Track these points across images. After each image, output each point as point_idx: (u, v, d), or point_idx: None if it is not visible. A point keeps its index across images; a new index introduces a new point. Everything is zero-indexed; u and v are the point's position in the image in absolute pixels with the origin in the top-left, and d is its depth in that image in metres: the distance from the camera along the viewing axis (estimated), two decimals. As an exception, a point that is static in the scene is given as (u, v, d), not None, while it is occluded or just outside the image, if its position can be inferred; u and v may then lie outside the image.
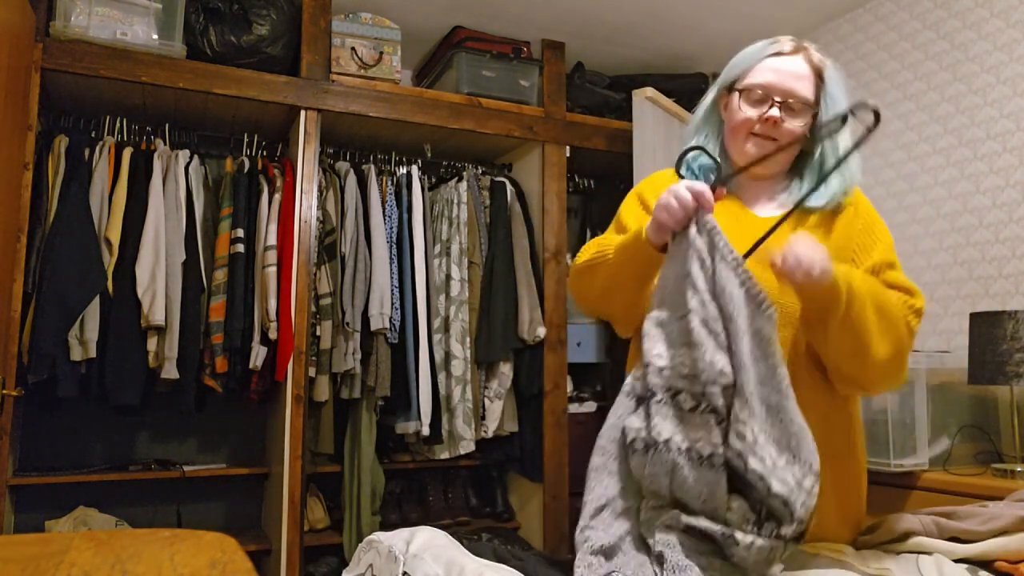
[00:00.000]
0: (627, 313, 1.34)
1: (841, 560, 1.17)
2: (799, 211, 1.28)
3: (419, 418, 2.76)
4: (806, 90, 1.31)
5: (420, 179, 2.94)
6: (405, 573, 0.99)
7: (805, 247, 1.10)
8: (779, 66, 1.31)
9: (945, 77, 2.56)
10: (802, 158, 1.37)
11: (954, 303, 2.47)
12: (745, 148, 1.32)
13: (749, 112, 1.31)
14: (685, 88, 3.31)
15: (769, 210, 1.35)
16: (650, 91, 2.84)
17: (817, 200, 1.31)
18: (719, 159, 1.36)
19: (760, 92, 1.30)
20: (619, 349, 3.08)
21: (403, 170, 2.95)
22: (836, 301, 1.14)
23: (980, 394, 2.27)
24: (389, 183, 2.97)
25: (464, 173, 3.03)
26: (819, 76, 1.33)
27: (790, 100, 1.30)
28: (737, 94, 1.33)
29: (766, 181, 1.38)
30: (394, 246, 2.85)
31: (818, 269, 1.09)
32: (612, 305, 1.35)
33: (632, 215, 1.41)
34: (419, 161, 3.03)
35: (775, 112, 1.29)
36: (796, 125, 1.30)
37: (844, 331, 1.16)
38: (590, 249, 1.36)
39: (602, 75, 3.33)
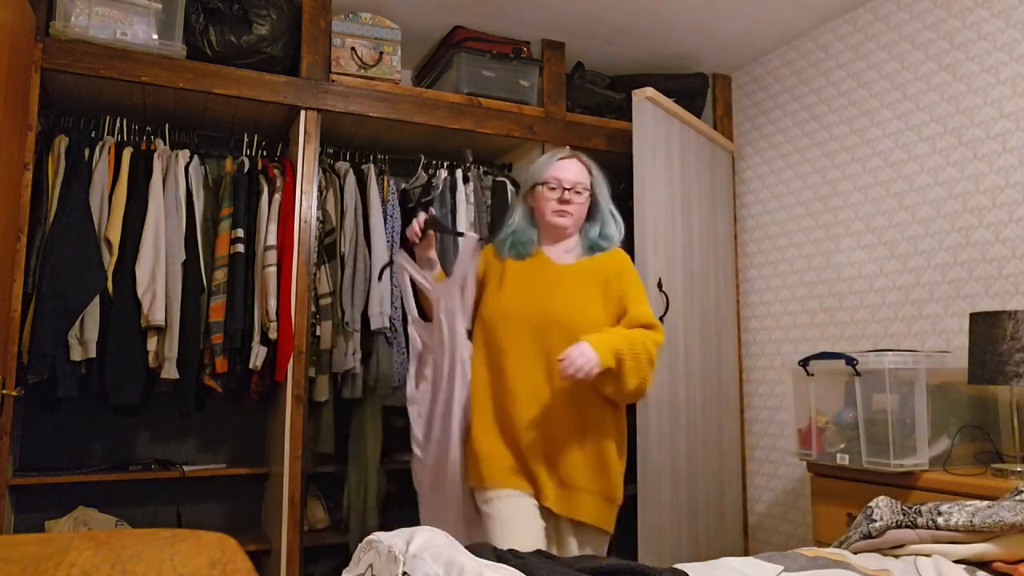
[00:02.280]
0: None
1: (841, 561, 1.17)
2: (586, 253, 2.04)
3: None
4: (583, 178, 2.02)
5: (465, 178, 3.01)
6: (405, 573, 0.99)
7: (580, 356, 1.72)
8: (564, 167, 2.00)
9: (945, 77, 2.56)
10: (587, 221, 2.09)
11: (954, 303, 2.47)
12: (554, 220, 1.99)
13: (550, 196, 1.99)
14: (685, 88, 3.31)
15: (566, 260, 2.03)
16: (650, 91, 2.84)
17: (595, 251, 2.04)
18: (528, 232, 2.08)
19: (555, 183, 1.98)
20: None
21: (444, 173, 3.00)
22: (609, 374, 1.79)
23: (980, 394, 2.27)
24: (391, 183, 2.98)
25: (469, 174, 3.03)
26: (589, 171, 2.04)
27: (575, 187, 1.99)
28: (541, 187, 2.00)
29: (564, 239, 2.04)
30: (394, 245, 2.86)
31: (594, 369, 1.73)
32: None
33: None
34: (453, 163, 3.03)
35: (567, 194, 1.98)
36: (581, 200, 2.00)
37: (609, 383, 1.84)
38: None
39: (602, 75, 3.33)
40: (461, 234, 2.10)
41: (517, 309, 1.95)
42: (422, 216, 2.06)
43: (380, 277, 2.65)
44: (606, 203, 2.07)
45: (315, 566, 2.79)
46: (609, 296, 1.95)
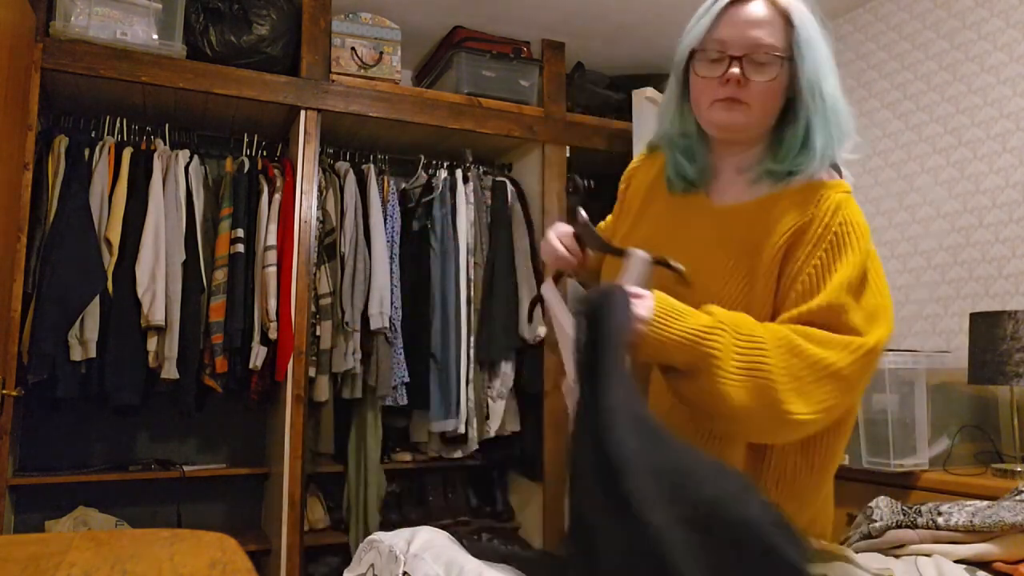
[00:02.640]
0: None
1: (844, 556, 1.17)
2: (775, 181, 1.14)
3: (458, 416, 2.78)
4: (771, 37, 1.10)
5: (465, 179, 2.99)
6: (405, 573, 0.99)
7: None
8: (734, 16, 1.11)
9: (945, 77, 2.56)
10: (785, 119, 1.15)
11: (954, 303, 2.47)
12: (713, 118, 1.14)
13: (707, 74, 1.12)
14: (685, 88, 3.30)
15: (733, 194, 1.18)
16: (650, 91, 2.84)
17: (776, 169, 1.13)
18: (691, 136, 1.20)
19: (716, 50, 1.11)
20: (619, 349, 3.08)
21: (444, 173, 2.99)
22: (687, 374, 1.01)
23: (980, 394, 2.27)
24: (391, 183, 2.98)
25: (469, 174, 3.03)
26: (787, 19, 1.11)
27: (752, 53, 1.10)
28: (699, 55, 1.13)
29: (738, 149, 1.18)
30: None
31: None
32: None
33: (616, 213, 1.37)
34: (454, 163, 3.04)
35: (735, 70, 1.09)
36: (765, 79, 1.10)
37: (685, 385, 1.03)
38: None
39: (602, 75, 3.33)
40: (621, 252, 1.11)
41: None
42: (580, 217, 1.20)
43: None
44: (823, 84, 1.11)
45: (315, 566, 2.79)
46: (775, 271, 1.09)
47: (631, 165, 1.34)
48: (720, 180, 1.20)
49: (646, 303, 0.98)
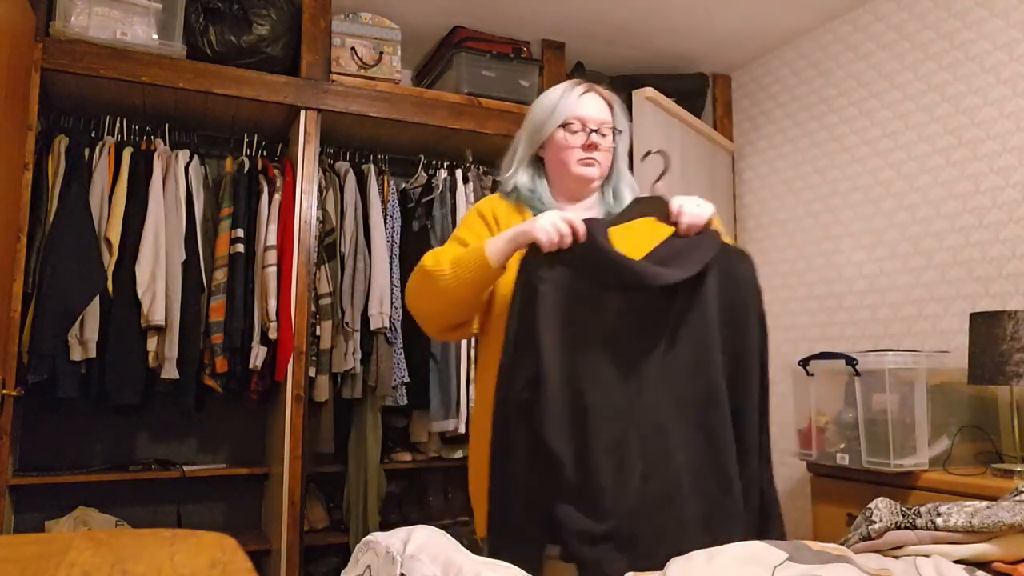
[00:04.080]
0: (452, 320, 1.54)
1: (844, 556, 1.17)
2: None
3: (458, 416, 2.78)
4: (606, 116, 1.57)
5: (465, 179, 3.00)
6: (402, 574, 0.99)
7: (697, 206, 1.40)
8: (588, 102, 1.56)
9: (945, 77, 2.56)
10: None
11: (954, 303, 2.47)
12: (578, 172, 1.55)
13: (573, 142, 1.54)
14: (685, 88, 3.31)
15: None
16: (650, 91, 2.84)
17: (615, 208, 1.59)
18: (538, 190, 1.59)
19: (578, 124, 1.54)
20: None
21: (444, 173, 2.99)
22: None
23: (980, 394, 2.27)
24: (391, 183, 2.98)
25: (469, 174, 3.03)
26: (610, 106, 1.59)
27: (600, 129, 1.55)
28: (560, 130, 1.55)
29: (584, 198, 1.62)
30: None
31: (707, 211, 1.41)
32: (444, 314, 1.53)
33: (472, 232, 1.57)
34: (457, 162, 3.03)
35: (595, 136, 1.54)
36: (607, 146, 1.56)
37: None
38: (430, 258, 1.52)
39: (602, 75, 3.32)
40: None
41: None
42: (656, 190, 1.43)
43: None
44: (624, 151, 1.65)
45: (315, 566, 2.79)
46: None
47: (495, 204, 1.62)
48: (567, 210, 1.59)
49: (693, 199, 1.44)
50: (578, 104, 1.55)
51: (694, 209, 1.40)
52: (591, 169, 1.55)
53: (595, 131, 1.54)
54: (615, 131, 1.59)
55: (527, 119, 1.62)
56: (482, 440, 1.41)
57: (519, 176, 1.59)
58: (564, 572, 1.26)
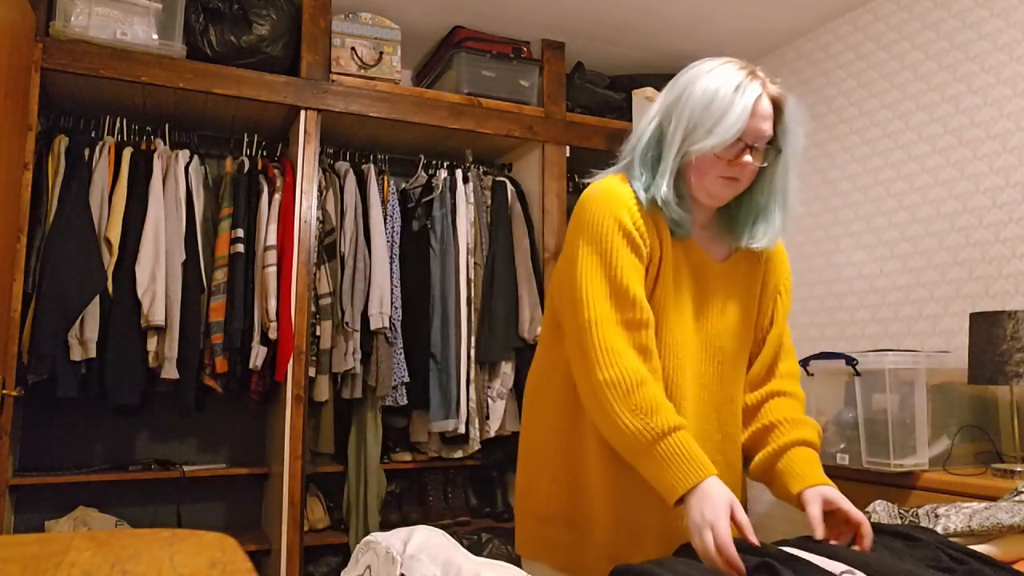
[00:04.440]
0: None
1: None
2: (733, 241, 1.35)
3: (458, 416, 2.78)
4: (770, 128, 1.25)
5: (465, 179, 3.00)
6: (402, 574, 0.99)
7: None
8: (756, 109, 1.22)
9: (945, 77, 2.56)
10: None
11: (954, 303, 2.47)
12: (714, 191, 1.26)
13: (723, 155, 1.23)
14: (685, 88, 3.30)
15: (720, 251, 1.37)
16: (650, 91, 2.84)
17: (760, 240, 1.33)
18: (675, 196, 1.26)
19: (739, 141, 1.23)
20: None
21: (444, 173, 2.99)
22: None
23: (980, 394, 2.27)
24: (391, 183, 2.98)
25: (469, 174, 3.03)
26: (778, 109, 1.27)
27: (758, 143, 1.24)
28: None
29: (708, 217, 1.35)
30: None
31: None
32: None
33: (628, 262, 1.24)
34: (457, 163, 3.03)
35: (748, 158, 1.24)
36: (757, 164, 1.26)
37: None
38: (610, 346, 1.19)
39: (602, 75, 3.33)
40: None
41: (689, 321, 1.31)
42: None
43: None
44: (789, 173, 1.31)
45: (315, 566, 2.79)
46: (757, 308, 1.40)
47: (636, 214, 1.26)
48: (700, 238, 1.35)
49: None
50: (753, 114, 1.21)
51: None
52: (727, 190, 1.26)
53: (751, 147, 1.23)
54: (778, 150, 1.27)
55: (682, 111, 1.23)
56: (534, 456, 1.35)
57: (663, 189, 1.25)
58: None
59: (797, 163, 1.30)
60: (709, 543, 1.04)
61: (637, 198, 1.26)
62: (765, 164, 1.26)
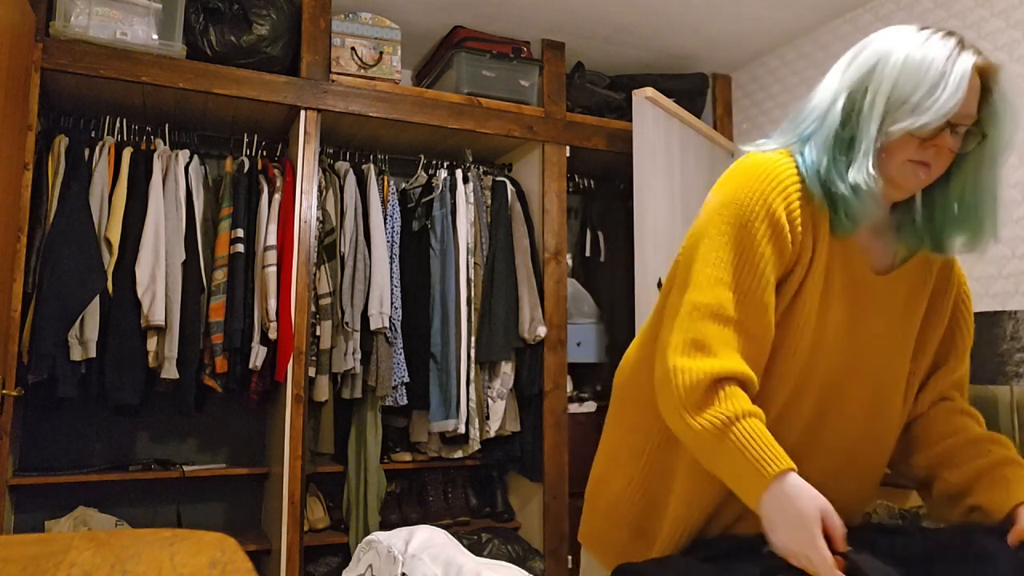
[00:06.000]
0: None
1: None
2: (905, 246, 1.13)
3: (458, 416, 2.78)
4: (974, 106, 1.04)
5: (465, 179, 3.00)
6: (403, 574, 0.99)
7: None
8: (972, 85, 1.01)
9: (945, 77, 2.56)
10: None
11: (954, 303, 2.47)
12: (901, 178, 1.05)
13: (919, 133, 1.01)
14: (685, 88, 3.31)
15: (884, 258, 1.14)
16: (650, 91, 2.84)
17: (953, 248, 1.13)
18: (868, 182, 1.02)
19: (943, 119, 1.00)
20: (619, 349, 3.08)
21: (444, 173, 2.99)
22: None
23: (980, 394, 2.27)
24: (391, 183, 2.98)
25: (469, 174, 3.03)
26: (984, 84, 1.04)
27: (960, 125, 1.03)
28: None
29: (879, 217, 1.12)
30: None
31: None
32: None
33: (770, 266, 1.04)
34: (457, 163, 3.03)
35: (949, 139, 1.03)
36: (955, 148, 1.05)
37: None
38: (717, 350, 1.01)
39: (602, 75, 3.33)
40: None
41: (837, 336, 1.10)
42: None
43: None
44: (996, 167, 1.08)
45: (315, 566, 2.79)
46: (923, 334, 1.18)
47: (794, 205, 1.05)
48: (862, 237, 1.13)
49: None
50: (963, 93, 0.99)
51: None
52: (915, 177, 1.05)
53: (954, 126, 1.02)
54: (983, 134, 1.05)
55: (880, 83, 1.04)
56: (614, 450, 1.23)
57: (865, 174, 1.02)
58: None
59: (1007, 153, 1.07)
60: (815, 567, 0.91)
61: (802, 183, 1.06)
62: (966, 151, 1.06)
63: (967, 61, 1.00)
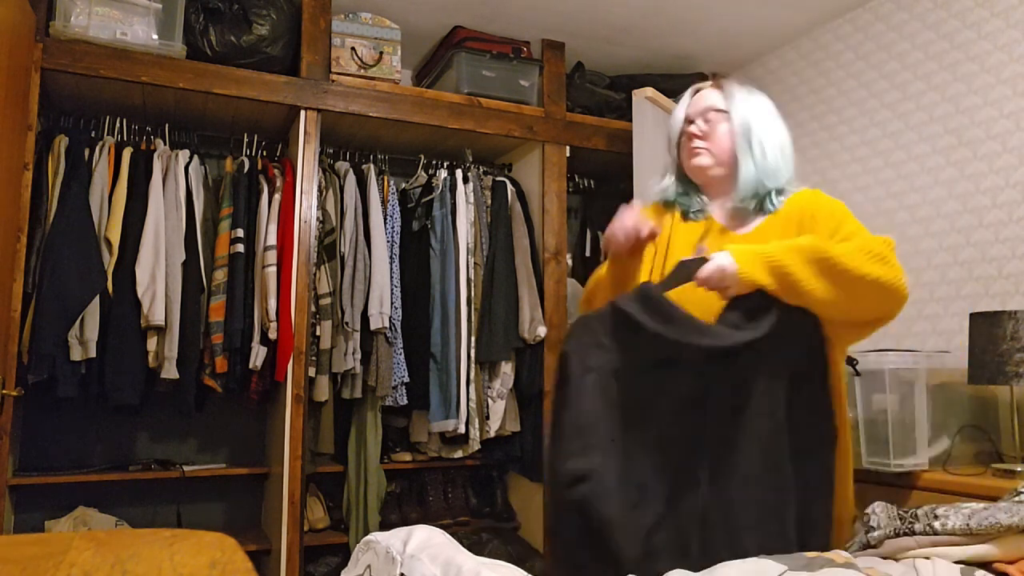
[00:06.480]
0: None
1: (847, 563, 1.17)
2: (757, 210, 1.56)
3: (458, 416, 2.78)
4: (715, 103, 1.59)
5: (465, 179, 3.01)
6: (402, 574, 0.99)
7: (710, 265, 1.37)
8: (695, 101, 1.64)
9: (945, 77, 2.56)
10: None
11: (954, 303, 2.47)
12: (689, 165, 1.63)
13: (684, 140, 1.63)
14: (685, 88, 3.29)
15: (742, 227, 1.58)
16: (650, 91, 2.84)
17: (742, 193, 1.55)
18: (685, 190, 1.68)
19: (687, 122, 1.63)
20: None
21: (444, 173, 2.99)
22: (770, 285, 1.36)
23: (980, 394, 2.27)
24: (391, 183, 2.98)
25: (469, 174, 3.03)
26: (721, 90, 1.62)
27: (704, 114, 1.59)
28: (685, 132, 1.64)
29: (717, 191, 1.63)
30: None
31: (728, 276, 1.36)
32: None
33: None
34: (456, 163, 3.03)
35: (692, 128, 1.60)
36: (709, 130, 1.58)
37: (799, 297, 1.37)
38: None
39: (602, 75, 3.33)
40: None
41: (688, 298, 1.43)
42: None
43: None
44: (763, 130, 1.55)
45: (315, 566, 2.79)
46: None
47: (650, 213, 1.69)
48: (718, 216, 1.62)
49: (723, 256, 1.37)
50: (689, 104, 1.65)
51: (713, 272, 1.36)
52: (698, 159, 1.60)
53: (692, 122, 1.61)
54: (725, 112, 1.58)
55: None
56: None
57: (670, 183, 1.75)
58: None
59: (762, 127, 1.55)
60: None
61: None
62: (713, 129, 1.58)
63: (687, 95, 1.67)
